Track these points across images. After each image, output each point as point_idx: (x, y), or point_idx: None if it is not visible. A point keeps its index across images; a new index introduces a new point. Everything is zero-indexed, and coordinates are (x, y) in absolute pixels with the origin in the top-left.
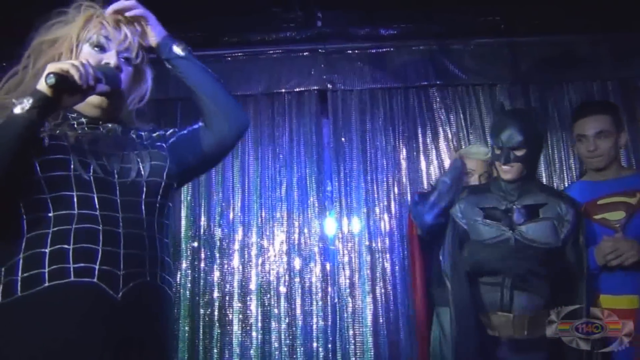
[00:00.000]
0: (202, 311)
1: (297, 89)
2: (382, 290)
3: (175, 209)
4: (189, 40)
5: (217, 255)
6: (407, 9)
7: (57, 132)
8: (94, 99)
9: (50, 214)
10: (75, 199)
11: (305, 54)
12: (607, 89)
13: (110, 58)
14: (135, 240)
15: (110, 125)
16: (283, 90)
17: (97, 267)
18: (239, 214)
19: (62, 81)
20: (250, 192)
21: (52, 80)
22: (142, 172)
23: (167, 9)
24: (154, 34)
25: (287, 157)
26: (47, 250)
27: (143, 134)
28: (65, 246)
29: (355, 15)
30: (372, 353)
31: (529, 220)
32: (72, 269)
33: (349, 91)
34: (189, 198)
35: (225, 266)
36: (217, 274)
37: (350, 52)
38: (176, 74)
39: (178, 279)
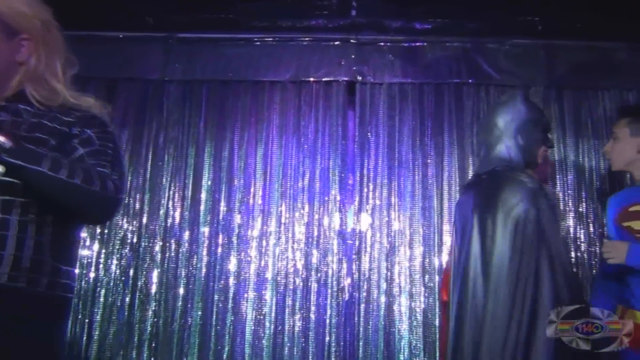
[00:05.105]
0: (216, 297)
1: (326, 79)
2: (398, 289)
3: (196, 193)
4: (218, 23)
5: (235, 242)
6: (443, 4)
7: None
8: None
9: None
10: None
11: (336, 43)
12: None
13: None
14: None
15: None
16: (311, 79)
17: None
18: (260, 202)
19: None
20: (272, 180)
21: None
22: None
23: None
24: None
25: (311, 148)
26: None
27: (34, 110)
28: None
29: (391, 7)
30: (384, 352)
31: None
32: None
33: (379, 84)
34: (209, 183)
35: (242, 254)
36: (233, 260)
37: (382, 44)
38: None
39: (194, 263)
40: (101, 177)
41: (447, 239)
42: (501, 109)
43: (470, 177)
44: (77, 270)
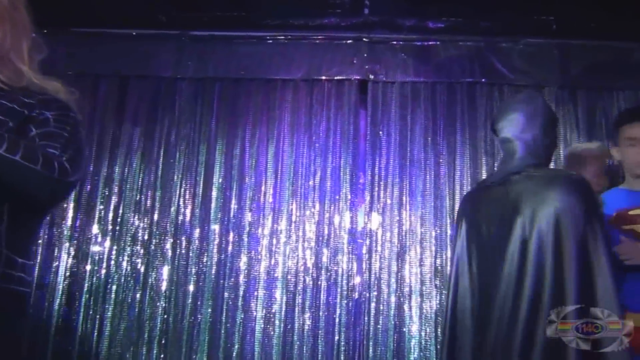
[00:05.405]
0: (226, 294)
1: (338, 77)
2: (409, 289)
3: (207, 190)
4: (230, 21)
5: (245, 240)
6: (457, 3)
7: None
8: None
9: None
10: None
11: (348, 41)
12: None
13: None
14: None
15: None
16: (323, 78)
17: None
18: (270, 200)
19: None
20: (283, 178)
21: None
22: None
23: None
24: None
25: (322, 147)
26: None
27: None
28: None
29: (403, 5)
30: (394, 351)
31: None
32: None
33: (391, 83)
34: (220, 180)
35: (253, 252)
36: (243, 258)
37: (395, 43)
38: None
39: (204, 261)
40: (46, 157)
41: None
42: (524, 109)
43: (493, 176)
44: (33, 264)
